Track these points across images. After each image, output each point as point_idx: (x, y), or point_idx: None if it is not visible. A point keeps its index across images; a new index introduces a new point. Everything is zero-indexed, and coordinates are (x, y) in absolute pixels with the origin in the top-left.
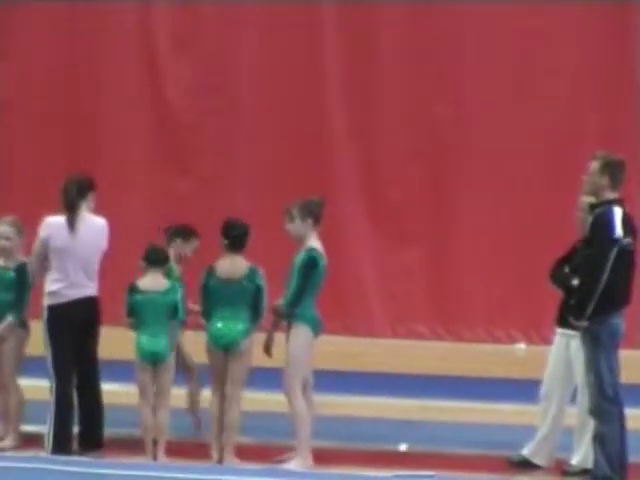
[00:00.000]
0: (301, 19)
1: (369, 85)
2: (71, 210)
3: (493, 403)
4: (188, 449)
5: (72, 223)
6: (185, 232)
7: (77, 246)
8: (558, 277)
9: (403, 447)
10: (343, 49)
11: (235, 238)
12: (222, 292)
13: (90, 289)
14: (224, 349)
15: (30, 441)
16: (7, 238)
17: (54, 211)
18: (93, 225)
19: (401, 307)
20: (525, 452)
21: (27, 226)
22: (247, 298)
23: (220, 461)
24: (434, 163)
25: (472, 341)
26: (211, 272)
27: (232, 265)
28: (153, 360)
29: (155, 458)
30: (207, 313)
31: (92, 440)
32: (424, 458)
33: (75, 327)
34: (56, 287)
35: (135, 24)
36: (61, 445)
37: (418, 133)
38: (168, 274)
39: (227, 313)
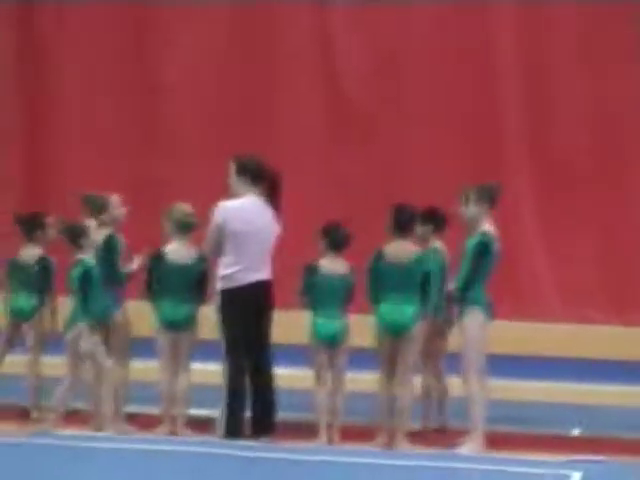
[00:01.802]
0: (476, 15)
1: (544, 78)
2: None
3: None
4: (360, 433)
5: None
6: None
7: (254, 230)
8: None
9: (576, 432)
10: (513, 45)
11: (402, 223)
12: (391, 276)
13: (264, 273)
14: (395, 334)
15: (202, 426)
16: None
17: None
18: (268, 210)
19: (573, 291)
20: None
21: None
22: (415, 282)
23: (390, 446)
24: (607, 146)
25: None
26: (379, 256)
27: (401, 249)
28: (329, 342)
29: (330, 441)
30: (376, 297)
31: (264, 425)
32: (597, 443)
33: (249, 311)
34: (231, 271)
35: (310, 18)
36: (233, 429)
37: (590, 124)
38: None
39: (396, 297)
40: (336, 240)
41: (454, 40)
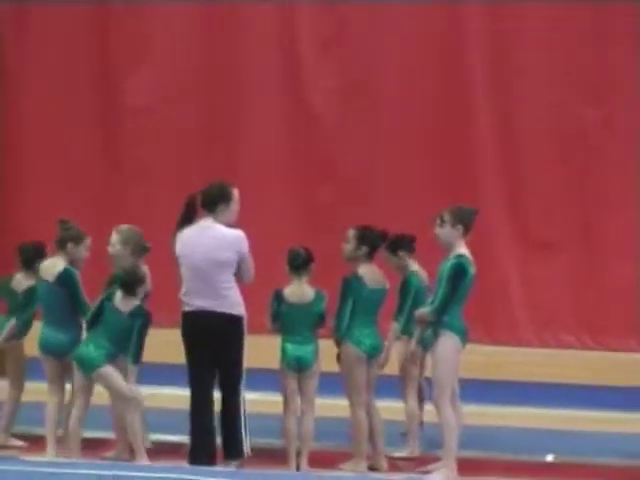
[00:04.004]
0: (445, 19)
1: (514, 87)
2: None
3: None
4: (334, 458)
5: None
6: None
7: (189, 254)
8: None
9: (550, 457)
10: (487, 50)
11: (374, 246)
12: (368, 300)
13: (213, 302)
14: (371, 356)
15: (171, 451)
16: None
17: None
18: (215, 237)
19: (547, 316)
20: None
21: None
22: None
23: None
24: (580, 169)
25: (620, 350)
26: (358, 280)
27: (374, 273)
28: (298, 367)
29: (298, 468)
30: (351, 322)
31: (232, 450)
32: (571, 468)
33: (201, 337)
34: (181, 293)
35: (277, 25)
36: (199, 455)
37: (563, 138)
38: None
39: (373, 321)
40: (295, 264)
41: (426, 56)
